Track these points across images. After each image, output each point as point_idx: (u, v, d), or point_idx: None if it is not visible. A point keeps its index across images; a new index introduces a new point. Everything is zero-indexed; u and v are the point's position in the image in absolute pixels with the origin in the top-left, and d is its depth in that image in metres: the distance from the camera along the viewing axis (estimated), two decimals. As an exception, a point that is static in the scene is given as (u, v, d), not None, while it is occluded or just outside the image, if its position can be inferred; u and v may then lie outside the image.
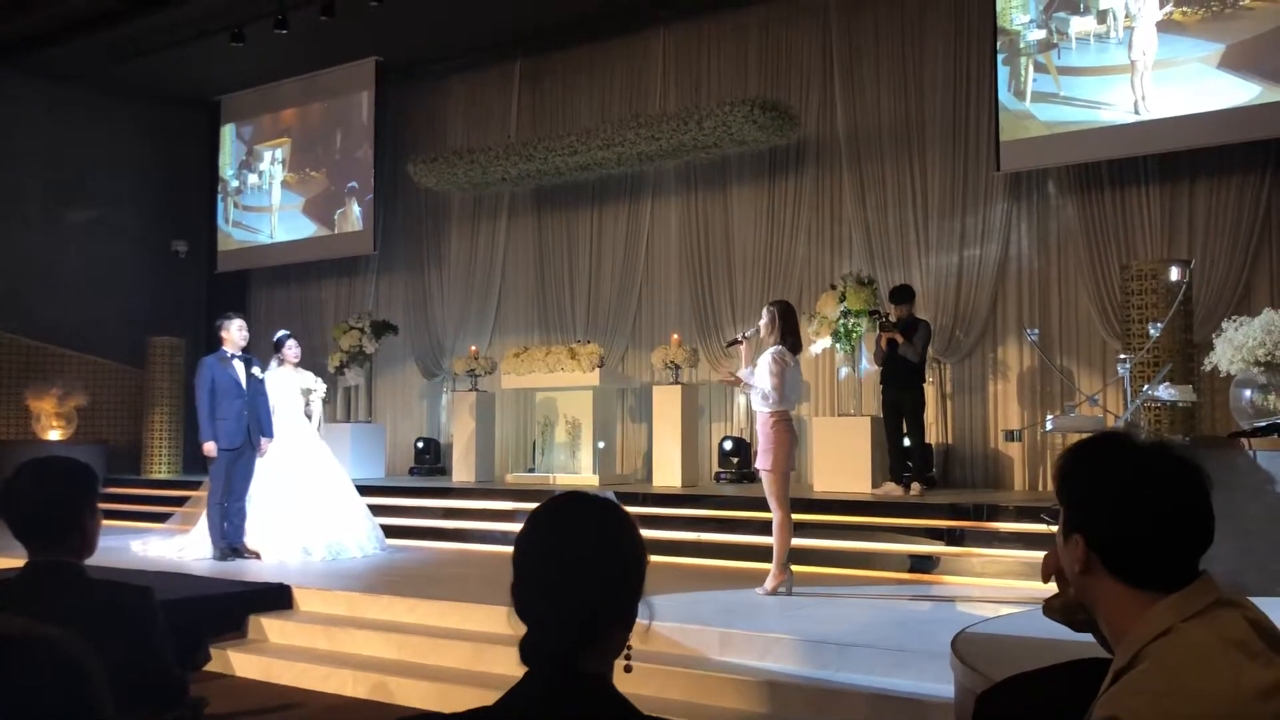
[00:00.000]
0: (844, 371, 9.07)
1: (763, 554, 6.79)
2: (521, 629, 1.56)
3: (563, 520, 1.60)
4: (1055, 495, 1.64)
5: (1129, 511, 1.50)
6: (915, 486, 8.18)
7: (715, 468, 10.09)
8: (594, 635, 1.53)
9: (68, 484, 2.67)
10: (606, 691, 1.51)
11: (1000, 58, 8.94)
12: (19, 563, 2.72)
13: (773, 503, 6.19)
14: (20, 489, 2.63)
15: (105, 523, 2.81)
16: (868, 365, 8.95)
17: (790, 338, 6.27)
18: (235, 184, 13.96)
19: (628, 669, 1.61)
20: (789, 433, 6.19)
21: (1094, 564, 1.54)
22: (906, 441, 8.45)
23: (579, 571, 1.53)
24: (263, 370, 8.27)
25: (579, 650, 1.51)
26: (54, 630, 2.49)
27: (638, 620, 1.60)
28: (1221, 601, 1.47)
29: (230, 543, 7.99)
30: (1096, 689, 1.53)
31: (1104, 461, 1.56)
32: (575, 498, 1.64)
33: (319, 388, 8.97)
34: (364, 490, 8.86)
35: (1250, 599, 1.51)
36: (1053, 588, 1.87)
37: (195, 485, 9.87)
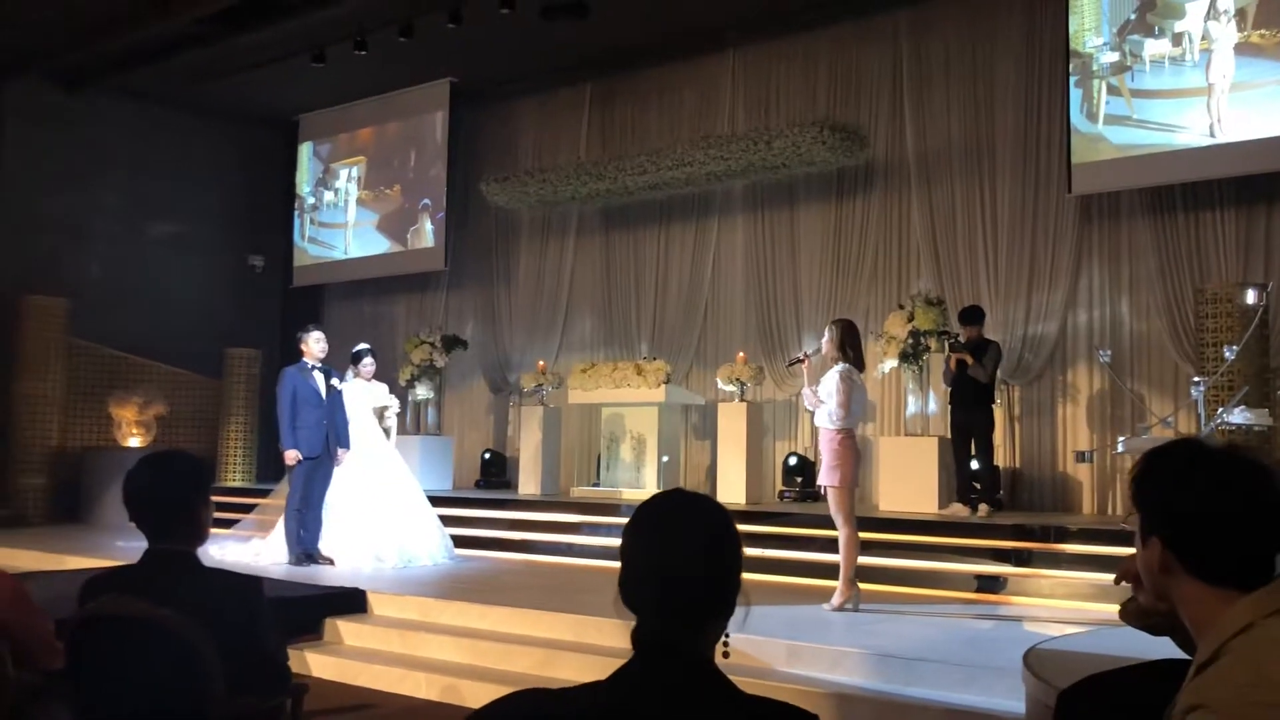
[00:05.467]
0: (912, 408, 9.07)
1: (828, 571, 6.83)
2: (626, 614, 1.67)
3: (669, 516, 1.69)
4: (1132, 500, 1.71)
5: (1204, 513, 1.57)
6: (982, 508, 8.16)
7: (779, 485, 10.13)
8: (698, 621, 1.63)
9: (183, 477, 2.84)
10: (709, 671, 1.61)
11: (1072, 80, 8.92)
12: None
13: (839, 519, 6.24)
14: (140, 481, 2.81)
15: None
16: (936, 403, 8.95)
17: (854, 355, 6.34)
18: (311, 201, 14.34)
19: (725, 654, 1.71)
20: (854, 450, 6.26)
21: (1172, 565, 1.60)
22: (974, 463, 8.43)
23: (685, 563, 1.63)
24: (341, 381, 8.50)
25: (684, 635, 1.61)
26: (170, 613, 2.66)
27: (737, 608, 1.70)
28: (1301, 599, 1.53)
29: (306, 549, 8.20)
30: (1176, 688, 1.60)
31: (1178, 465, 1.62)
32: (679, 495, 1.74)
33: (394, 404, 9.11)
34: (433, 501, 9.02)
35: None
36: (1127, 591, 1.92)
37: (267, 493, 10.13)
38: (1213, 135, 8.22)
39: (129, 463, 2.85)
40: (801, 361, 6.63)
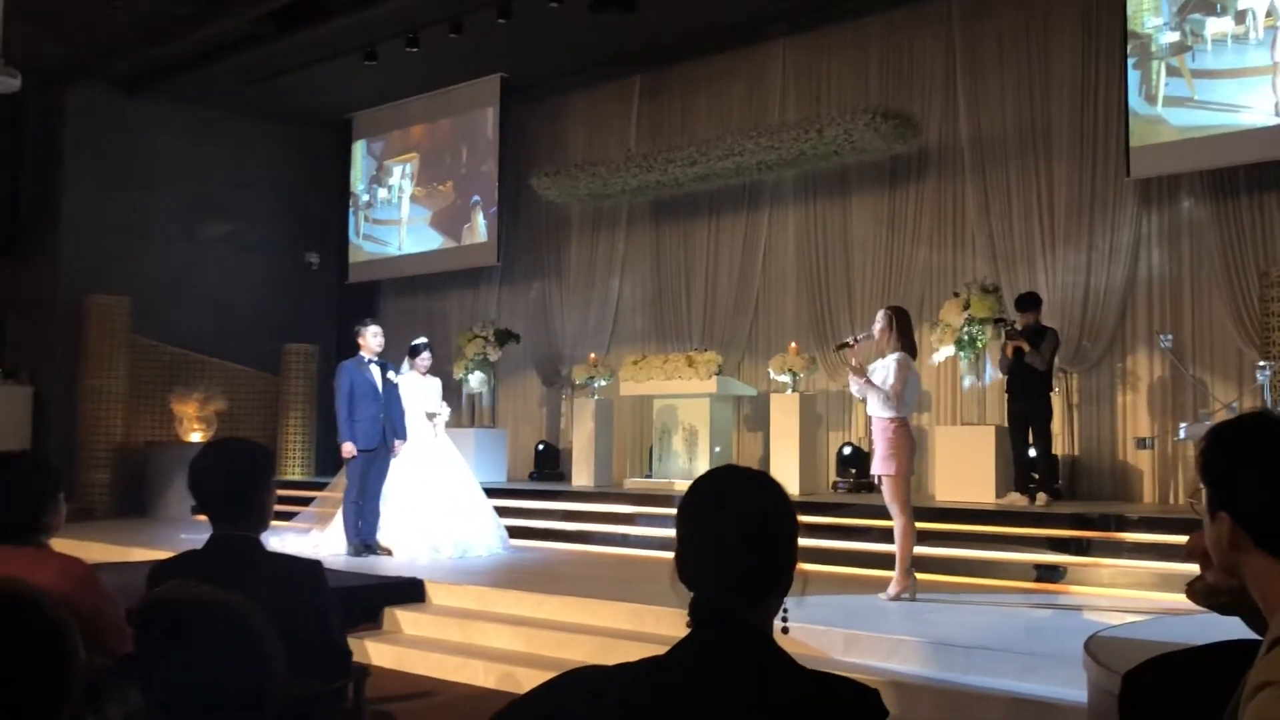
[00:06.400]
0: (967, 382, 8.97)
1: (883, 561, 6.79)
2: (682, 592, 1.68)
3: (726, 490, 1.69)
4: (1199, 473, 1.67)
5: (1275, 486, 1.53)
6: (1041, 497, 8.05)
7: (833, 476, 10.07)
8: (756, 596, 1.63)
9: (246, 464, 2.89)
10: (768, 646, 1.61)
11: (1130, 62, 8.75)
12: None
13: (894, 508, 6.20)
14: (205, 468, 2.86)
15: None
16: (992, 374, 8.85)
17: (906, 342, 6.28)
18: (366, 198, 14.50)
19: (785, 630, 1.71)
20: (909, 438, 6.21)
21: (1242, 539, 1.57)
22: (1032, 452, 8.32)
23: (741, 535, 1.63)
24: (397, 374, 8.59)
25: (743, 610, 1.61)
26: (234, 597, 2.71)
27: (793, 586, 1.70)
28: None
29: (364, 539, 8.31)
30: (1246, 668, 1.56)
31: (1247, 438, 1.59)
32: (734, 470, 1.73)
33: (445, 412, 9.02)
34: (487, 492, 9.10)
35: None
36: (1195, 569, 1.88)
37: (325, 486, 10.26)
38: (1278, 115, 8.02)
39: (190, 457, 2.91)
40: (850, 346, 6.58)
